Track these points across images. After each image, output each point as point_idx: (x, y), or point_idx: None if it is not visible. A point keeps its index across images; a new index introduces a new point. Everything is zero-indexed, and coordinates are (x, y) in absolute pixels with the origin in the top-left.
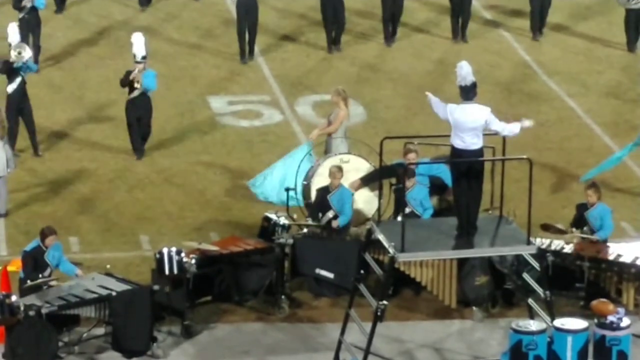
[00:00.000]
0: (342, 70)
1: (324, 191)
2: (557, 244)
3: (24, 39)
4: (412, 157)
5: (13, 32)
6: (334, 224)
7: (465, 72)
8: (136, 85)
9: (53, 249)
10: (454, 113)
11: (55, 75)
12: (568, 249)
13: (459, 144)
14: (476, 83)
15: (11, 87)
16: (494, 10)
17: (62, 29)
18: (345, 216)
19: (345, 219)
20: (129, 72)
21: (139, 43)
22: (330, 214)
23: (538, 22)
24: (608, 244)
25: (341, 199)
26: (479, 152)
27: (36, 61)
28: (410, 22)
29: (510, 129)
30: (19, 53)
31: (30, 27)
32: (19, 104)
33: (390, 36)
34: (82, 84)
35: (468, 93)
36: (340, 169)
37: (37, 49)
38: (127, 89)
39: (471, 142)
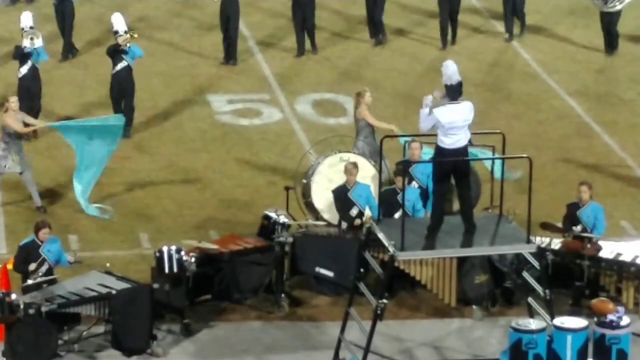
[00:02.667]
0: (342, 68)
1: (342, 190)
2: (557, 242)
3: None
4: (415, 146)
5: (26, 19)
6: (358, 222)
7: (451, 71)
8: (124, 47)
9: (50, 243)
10: (444, 114)
11: (55, 72)
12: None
13: (449, 143)
14: (462, 82)
15: (22, 72)
16: (492, 9)
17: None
18: (375, 209)
19: (376, 211)
20: (116, 43)
21: (119, 20)
22: (354, 211)
23: (512, 23)
24: (602, 242)
25: (363, 193)
26: (465, 149)
27: (70, 51)
28: (409, 19)
29: None
30: (31, 39)
31: (61, 15)
32: (30, 88)
33: (377, 37)
34: (82, 82)
35: (454, 92)
36: (355, 165)
37: (68, 37)
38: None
39: (457, 140)
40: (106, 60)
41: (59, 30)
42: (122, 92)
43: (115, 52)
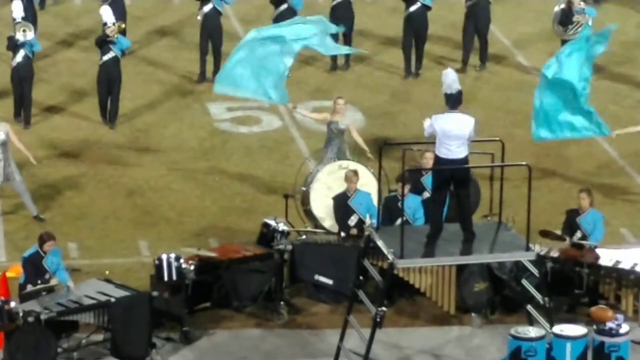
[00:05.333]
0: (341, 75)
1: (342, 197)
2: (556, 250)
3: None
4: (429, 155)
5: (17, 9)
6: (354, 231)
7: (450, 79)
8: (112, 38)
9: (52, 254)
10: (440, 122)
11: (57, 79)
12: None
13: (445, 153)
14: (462, 91)
15: (15, 61)
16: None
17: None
18: (375, 216)
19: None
20: (104, 34)
21: (107, 12)
22: (353, 219)
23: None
24: (601, 249)
25: (364, 201)
26: (465, 160)
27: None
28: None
29: None
30: (24, 31)
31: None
32: (22, 77)
33: (341, 63)
34: (81, 90)
35: (454, 101)
36: (356, 172)
37: (122, 33)
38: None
39: (457, 150)
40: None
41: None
42: (109, 82)
43: (104, 43)
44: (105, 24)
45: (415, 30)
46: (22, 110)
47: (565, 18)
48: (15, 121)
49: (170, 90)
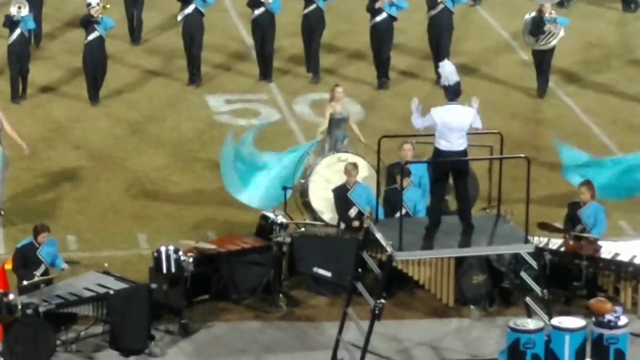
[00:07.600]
0: (341, 68)
1: (341, 189)
2: (554, 242)
3: (128, 12)
4: (408, 147)
5: None
6: (357, 223)
7: (447, 71)
8: (96, 18)
9: (47, 245)
10: (440, 115)
11: (54, 74)
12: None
13: (445, 145)
14: (460, 82)
15: (11, 39)
16: (492, 11)
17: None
18: (374, 209)
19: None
20: (89, 14)
21: None
22: (353, 211)
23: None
24: (600, 242)
25: (363, 194)
26: (465, 152)
27: (139, 35)
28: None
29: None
30: (19, 8)
31: (134, 1)
32: (19, 55)
33: (314, 73)
34: (82, 82)
35: (452, 93)
36: (355, 165)
37: (139, 22)
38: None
39: (457, 142)
40: None
41: (126, 14)
42: (94, 62)
43: (88, 23)
44: (89, 4)
45: (381, 41)
46: (21, 83)
47: (536, 27)
48: (13, 103)
49: (167, 82)
